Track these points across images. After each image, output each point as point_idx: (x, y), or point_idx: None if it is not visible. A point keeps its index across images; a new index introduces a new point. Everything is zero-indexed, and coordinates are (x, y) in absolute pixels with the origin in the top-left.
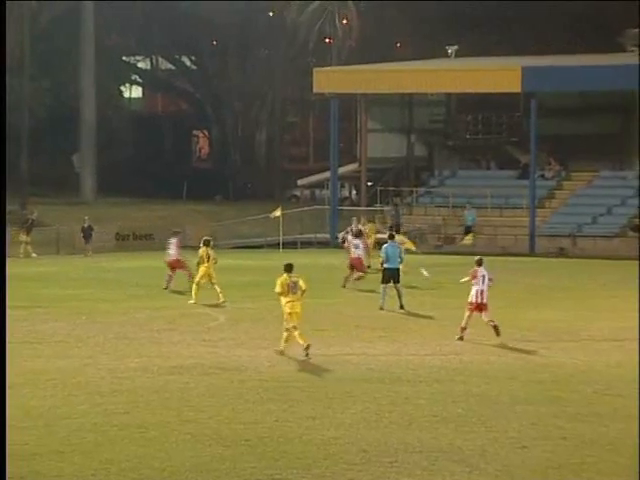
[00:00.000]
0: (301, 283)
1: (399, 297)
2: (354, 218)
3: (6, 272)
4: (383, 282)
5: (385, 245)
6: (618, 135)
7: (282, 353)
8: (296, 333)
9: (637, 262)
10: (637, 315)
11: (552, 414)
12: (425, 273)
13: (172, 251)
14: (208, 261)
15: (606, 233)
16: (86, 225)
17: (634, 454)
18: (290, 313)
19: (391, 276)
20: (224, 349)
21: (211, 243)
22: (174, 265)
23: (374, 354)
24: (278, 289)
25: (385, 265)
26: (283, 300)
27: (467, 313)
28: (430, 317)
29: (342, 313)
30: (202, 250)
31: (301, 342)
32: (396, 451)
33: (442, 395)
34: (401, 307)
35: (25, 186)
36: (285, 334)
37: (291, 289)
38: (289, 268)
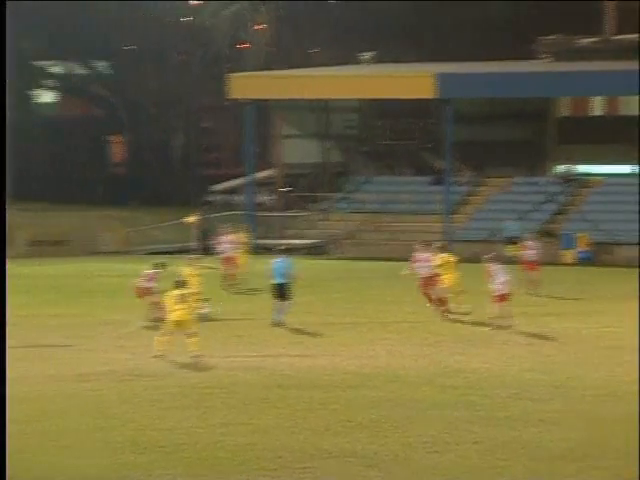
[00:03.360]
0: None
1: (282, 313)
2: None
3: (6, 273)
4: (275, 298)
5: (274, 260)
6: (530, 141)
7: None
8: (194, 339)
9: (553, 267)
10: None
11: (465, 419)
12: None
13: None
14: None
15: None
16: None
17: (546, 457)
18: (177, 321)
19: (279, 291)
20: (139, 356)
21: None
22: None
23: (289, 360)
24: (167, 302)
25: (274, 281)
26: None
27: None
28: (345, 323)
29: (257, 319)
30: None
31: (193, 348)
32: (311, 457)
33: (357, 400)
34: (283, 324)
35: None
36: (164, 339)
37: (180, 300)
38: (180, 284)
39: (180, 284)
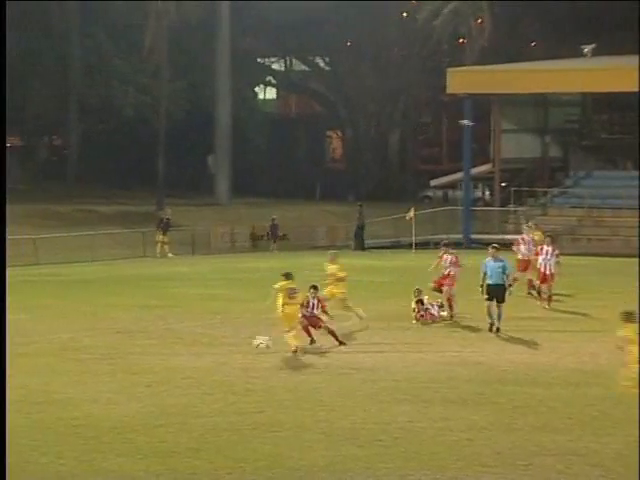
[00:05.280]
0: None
1: (498, 318)
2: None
3: (6, 274)
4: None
5: (489, 259)
6: None
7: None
8: (290, 334)
9: None
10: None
11: None
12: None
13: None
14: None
15: None
16: (273, 223)
17: None
18: (287, 315)
19: (494, 293)
20: (356, 349)
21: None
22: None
23: (508, 356)
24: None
25: (488, 281)
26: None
27: None
28: (563, 320)
29: (473, 318)
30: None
31: (293, 343)
32: (531, 454)
33: (577, 398)
34: (497, 330)
35: (161, 187)
36: (292, 333)
37: (289, 295)
38: (288, 276)
39: (288, 276)
